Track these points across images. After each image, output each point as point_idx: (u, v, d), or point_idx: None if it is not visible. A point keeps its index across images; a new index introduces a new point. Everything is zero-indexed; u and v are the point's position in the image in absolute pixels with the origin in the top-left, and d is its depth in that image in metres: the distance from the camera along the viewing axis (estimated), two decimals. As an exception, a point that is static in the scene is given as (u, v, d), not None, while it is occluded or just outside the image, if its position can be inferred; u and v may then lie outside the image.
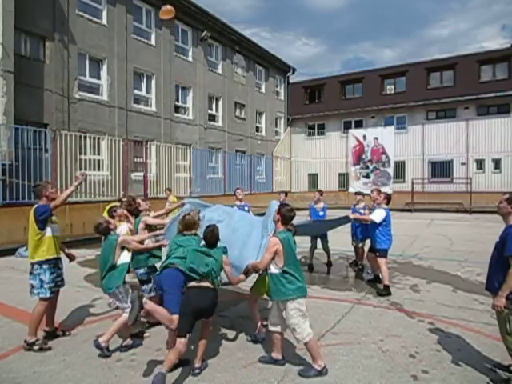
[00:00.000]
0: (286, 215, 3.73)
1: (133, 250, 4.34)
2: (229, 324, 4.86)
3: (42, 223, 4.18)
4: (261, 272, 4.26)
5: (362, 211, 7.58)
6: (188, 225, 3.99)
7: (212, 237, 3.79)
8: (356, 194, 8.35)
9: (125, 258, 4.26)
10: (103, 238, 4.39)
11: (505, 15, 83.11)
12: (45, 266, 4.21)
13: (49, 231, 4.25)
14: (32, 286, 4.20)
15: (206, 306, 3.53)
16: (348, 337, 4.42)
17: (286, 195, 8.18)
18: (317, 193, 8.44)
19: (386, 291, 6.22)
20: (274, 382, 3.44)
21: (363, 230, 7.59)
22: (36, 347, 4.07)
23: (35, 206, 4.24)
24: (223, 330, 4.67)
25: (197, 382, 3.46)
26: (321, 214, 8.08)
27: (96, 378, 3.52)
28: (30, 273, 4.24)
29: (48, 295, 4.22)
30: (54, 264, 4.32)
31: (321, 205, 8.20)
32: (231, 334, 4.54)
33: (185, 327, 3.47)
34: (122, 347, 4.10)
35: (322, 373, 3.53)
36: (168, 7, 9.48)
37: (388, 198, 6.77)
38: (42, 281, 4.18)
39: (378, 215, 6.45)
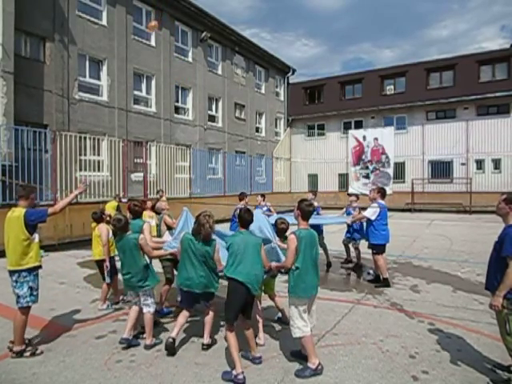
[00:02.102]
0: (305, 210, 3.78)
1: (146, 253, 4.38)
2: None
3: (33, 228, 4.05)
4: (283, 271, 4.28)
5: (352, 211, 7.79)
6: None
7: (250, 215, 3.93)
8: (349, 194, 8.53)
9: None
10: (117, 234, 4.36)
11: (504, 16, 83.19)
12: (34, 273, 4.11)
13: (37, 237, 4.13)
14: (19, 296, 4.00)
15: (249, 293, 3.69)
16: (348, 337, 4.41)
17: (264, 197, 8.47)
18: (310, 194, 8.64)
19: (384, 283, 6.42)
20: (274, 383, 3.43)
21: (352, 229, 7.91)
22: (27, 353, 3.99)
23: (25, 209, 4.02)
24: (223, 330, 4.66)
25: (197, 383, 3.45)
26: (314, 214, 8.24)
27: (95, 379, 3.51)
28: (16, 281, 3.99)
29: (37, 301, 4.16)
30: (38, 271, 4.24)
31: (314, 205, 8.31)
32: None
33: (230, 313, 3.67)
34: (147, 346, 4.17)
35: (317, 370, 3.54)
36: (153, 23, 12.08)
37: (382, 192, 6.88)
38: (31, 288, 4.05)
39: (371, 212, 6.61)
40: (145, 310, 4.28)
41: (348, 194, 8.59)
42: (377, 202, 6.73)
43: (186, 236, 4.16)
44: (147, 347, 4.16)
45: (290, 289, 3.69)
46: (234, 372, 3.45)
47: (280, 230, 4.68)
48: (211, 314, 4.26)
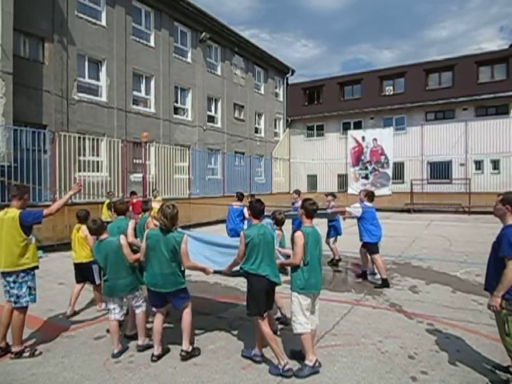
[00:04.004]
0: (308, 208, 3.87)
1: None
2: (228, 326, 4.85)
3: (29, 229, 4.04)
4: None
5: (329, 211, 8.16)
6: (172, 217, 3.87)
7: (262, 204, 3.96)
8: (326, 195, 8.86)
9: None
10: (95, 237, 4.22)
11: (503, 17, 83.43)
12: (32, 273, 4.11)
13: (33, 238, 4.12)
14: (18, 296, 3.98)
15: (271, 285, 3.77)
16: (347, 338, 4.41)
17: (253, 197, 8.73)
18: (294, 194, 9.42)
19: (383, 284, 6.58)
20: (274, 383, 3.44)
21: (332, 228, 8.45)
22: (26, 354, 3.99)
23: (20, 211, 3.99)
24: (222, 331, 4.66)
25: (195, 384, 3.45)
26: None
27: (94, 380, 3.51)
28: (14, 282, 3.97)
29: (35, 300, 4.15)
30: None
31: (298, 204, 8.65)
32: (230, 335, 4.53)
33: (258, 307, 3.68)
34: (139, 346, 4.12)
35: (314, 367, 3.56)
36: (145, 134, 13.67)
37: (369, 194, 7.24)
38: (30, 288, 4.05)
39: (352, 207, 7.13)
40: (138, 310, 4.18)
41: (325, 195, 8.82)
42: (361, 203, 7.09)
43: (151, 232, 3.97)
44: (140, 348, 4.07)
45: (295, 285, 3.72)
46: (280, 366, 3.54)
47: (279, 220, 4.93)
48: (187, 317, 3.97)
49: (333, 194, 8.83)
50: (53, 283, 6.94)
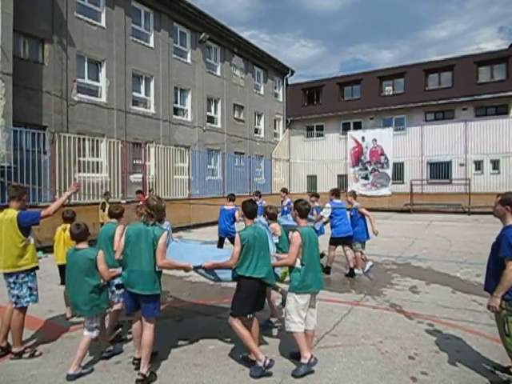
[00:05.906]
0: (301, 208, 3.92)
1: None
2: (227, 326, 4.83)
3: (27, 230, 4.03)
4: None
5: (314, 212, 8.35)
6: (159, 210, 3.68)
7: (254, 204, 4.00)
8: (310, 195, 9.15)
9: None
10: (75, 243, 3.86)
11: (502, 17, 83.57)
12: (32, 273, 4.11)
13: (32, 239, 4.11)
14: (18, 297, 3.98)
15: (263, 286, 3.81)
16: (347, 338, 4.41)
17: (260, 195, 9.32)
18: (282, 192, 9.58)
19: (324, 270, 7.01)
20: (273, 384, 3.43)
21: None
22: (26, 355, 3.98)
23: (18, 212, 3.98)
24: (222, 332, 4.66)
25: (195, 385, 3.44)
26: (285, 209, 8.86)
27: (94, 381, 3.50)
28: (14, 283, 3.97)
29: (37, 300, 4.16)
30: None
31: (285, 202, 9.15)
32: (230, 336, 4.52)
33: (245, 309, 3.69)
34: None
35: (310, 364, 3.56)
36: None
37: (336, 193, 7.73)
38: (30, 288, 4.05)
39: (325, 211, 7.56)
40: (86, 332, 3.72)
41: (309, 195, 8.91)
42: (330, 202, 7.54)
43: (131, 227, 3.67)
44: (70, 378, 3.49)
45: (292, 286, 3.71)
46: (260, 363, 3.50)
47: (270, 214, 5.03)
48: (149, 334, 3.55)
49: (316, 195, 8.78)
50: (53, 284, 6.92)
